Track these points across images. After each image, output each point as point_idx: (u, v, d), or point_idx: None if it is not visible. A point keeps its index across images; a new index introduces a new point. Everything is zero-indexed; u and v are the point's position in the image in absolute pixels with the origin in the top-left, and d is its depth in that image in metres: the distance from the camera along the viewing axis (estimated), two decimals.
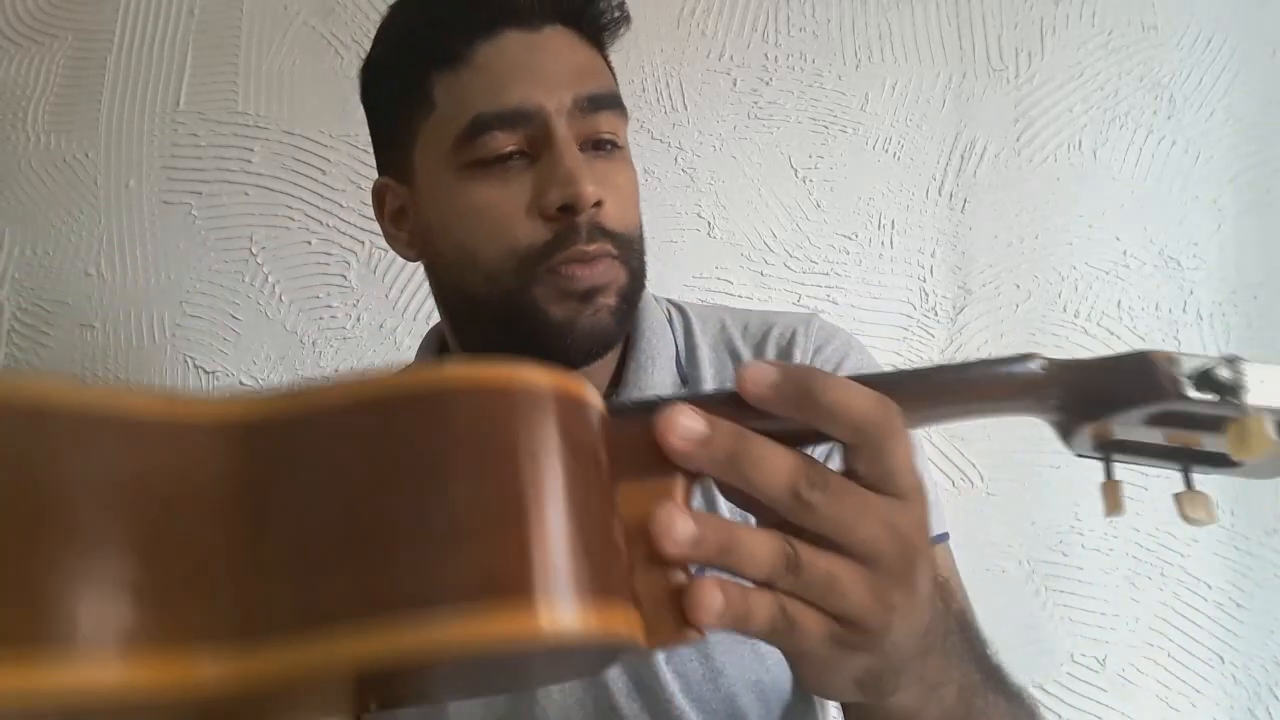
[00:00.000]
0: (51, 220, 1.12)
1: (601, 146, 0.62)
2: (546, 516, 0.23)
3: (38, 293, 1.12)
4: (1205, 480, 0.35)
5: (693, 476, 0.31)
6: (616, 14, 0.67)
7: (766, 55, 1.12)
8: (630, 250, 0.62)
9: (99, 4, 1.13)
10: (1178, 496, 0.34)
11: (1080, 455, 0.37)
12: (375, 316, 1.11)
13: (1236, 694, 1.07)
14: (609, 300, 0.60)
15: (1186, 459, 0.35)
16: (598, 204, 0.59)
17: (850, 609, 0.30)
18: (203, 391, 0.21)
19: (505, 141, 0.59)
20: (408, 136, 0.64)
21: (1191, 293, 1.11)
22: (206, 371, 1.11)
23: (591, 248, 0.59)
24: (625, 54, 1.10)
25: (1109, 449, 0.36)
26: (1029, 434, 1.04)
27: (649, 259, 0.65)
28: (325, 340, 1.11)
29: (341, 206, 1.11)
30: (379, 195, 0.70)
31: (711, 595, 0.28)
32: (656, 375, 0.66)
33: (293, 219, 1.12)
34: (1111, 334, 1.11)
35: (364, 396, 0.24)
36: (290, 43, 1.12)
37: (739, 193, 1.12)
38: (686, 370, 0.69)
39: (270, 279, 1.11)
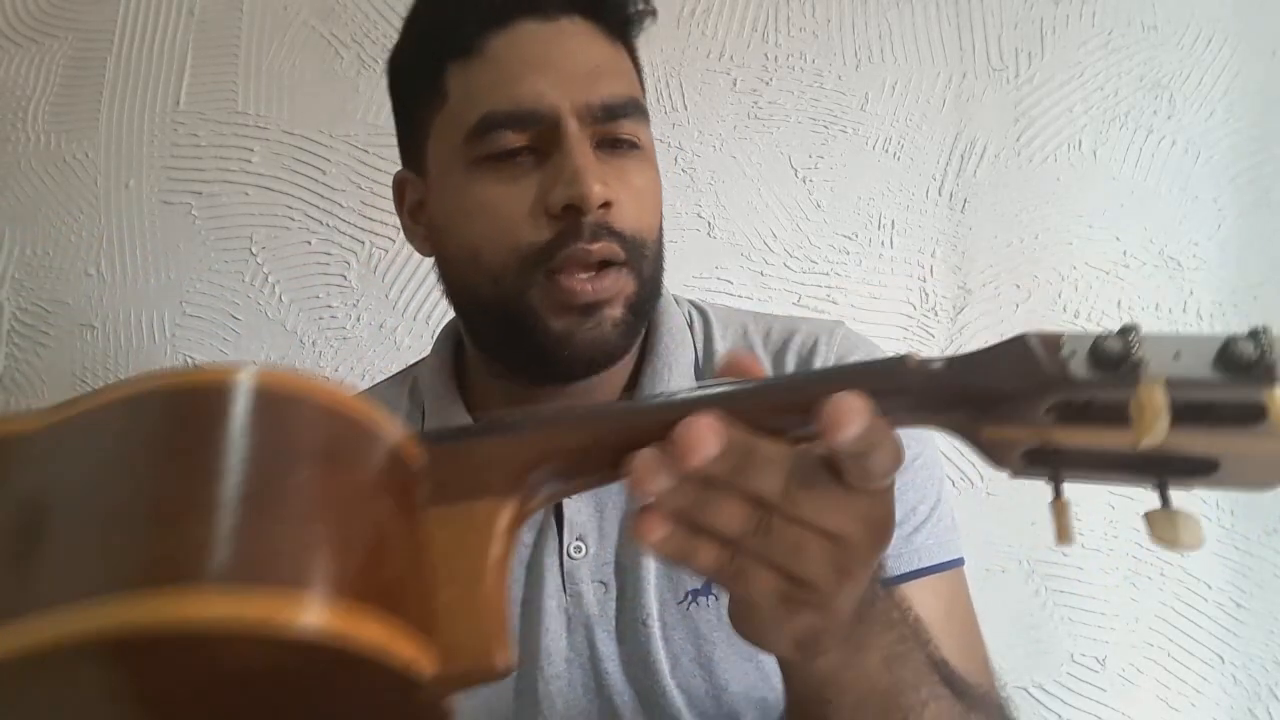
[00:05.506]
0: (51, 220, 1.12)
1: (619, 145, 0.59)
2: (282, 514, 0.23)
3: (38, 293, 1.12)
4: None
5: (525, 501, 0.30)
6: (640, 6, 0.64)
7: (766, 55, 1.12)
8: (641, 255, 0.59)
9: (99, 4, 1.13)
10: (1149, 516, 0.29)
11: (1017, 475, 0.32)
12: (375, 316, 1.11)
13: (1236, 694, 1.07)
14: (614, 313, 0.58)
15: (1157, 470, 0.30)
16: (606, 205, 0.57)
17: (808, 573, 0.32)
18: None
19: (514, 139, 0.57)
20: (423, 129, 0.63)
21: (1191, 293, 1.11)
22: None
23: (595, 246, 0.56)
24: None
25: (1051, 464, 0.31)
26: None
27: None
28: (325, 340, 1.11)
29: (341, 206, 1.11)
30: (399, 187, 0.68)
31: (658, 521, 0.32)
32: (674, 381, 0.64)
33: (293, 219, 1.12)
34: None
35: (134, 392, 0.25)
36: (290, 43, 1.12)
37: (739, 193, 1.11)
38: (705, 377, 0.67)
39: (270, 279, 1.11)
